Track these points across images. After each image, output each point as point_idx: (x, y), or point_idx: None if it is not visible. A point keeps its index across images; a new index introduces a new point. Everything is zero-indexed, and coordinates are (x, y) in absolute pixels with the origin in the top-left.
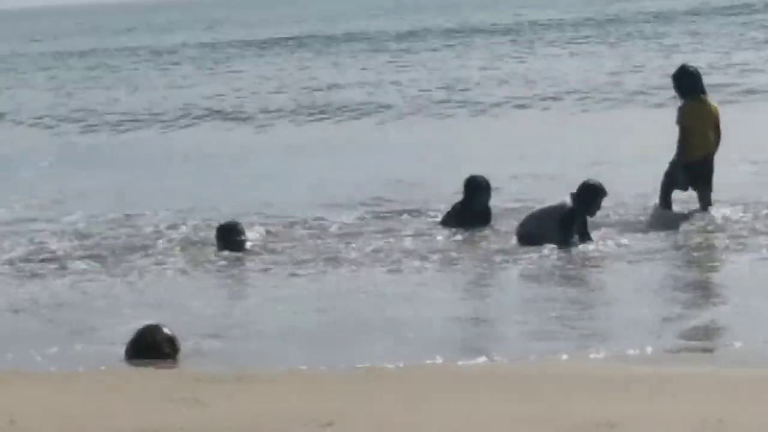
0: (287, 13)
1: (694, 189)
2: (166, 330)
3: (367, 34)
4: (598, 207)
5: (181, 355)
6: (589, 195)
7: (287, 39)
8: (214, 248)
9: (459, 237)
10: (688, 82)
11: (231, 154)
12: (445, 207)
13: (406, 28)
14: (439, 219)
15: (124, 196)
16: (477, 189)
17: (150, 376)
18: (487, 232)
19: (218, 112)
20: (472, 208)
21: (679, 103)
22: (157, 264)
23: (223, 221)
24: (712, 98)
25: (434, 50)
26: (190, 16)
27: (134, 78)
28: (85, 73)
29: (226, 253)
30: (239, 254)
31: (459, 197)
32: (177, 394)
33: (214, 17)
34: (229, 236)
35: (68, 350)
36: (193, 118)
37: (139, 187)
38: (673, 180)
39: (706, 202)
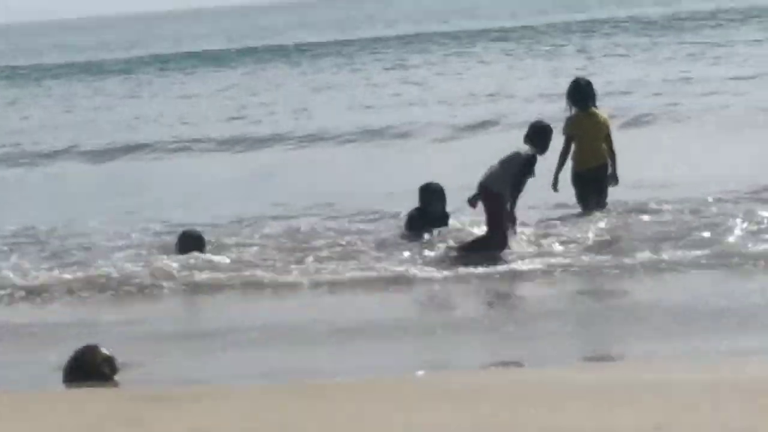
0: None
1: (584, 200)
2: (104, 350)
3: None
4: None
5: (119, 376)
6: (544, 135)
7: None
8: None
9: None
10: (577, 94)
11: None
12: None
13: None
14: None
15: None
16: (432, 195)
17: (89, 397)
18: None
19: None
20: (427, 214)
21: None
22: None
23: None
24: (603, 111)
25: None
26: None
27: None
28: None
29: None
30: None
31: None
32: (117, 415)
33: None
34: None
35: (4, 373)
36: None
37: None
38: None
39: (601, 206)
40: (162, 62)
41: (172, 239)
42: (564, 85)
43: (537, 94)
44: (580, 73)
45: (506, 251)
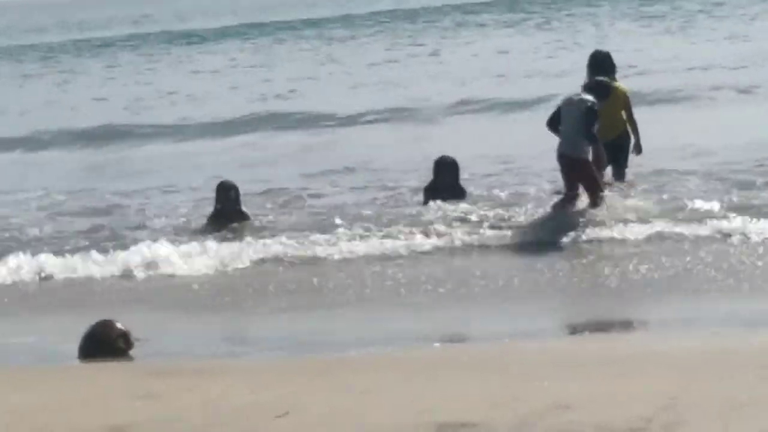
0: None
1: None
2: (119, 325)
3: None
4: None
5: (135, 350)
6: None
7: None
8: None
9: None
10: (595, 67)
11: None
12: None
13: None
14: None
15: None
16: (440, 168)
17: (104, 372)
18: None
19: None
20: (436, 187)
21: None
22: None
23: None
24: (621, 83)
25: None
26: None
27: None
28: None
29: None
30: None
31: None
32: (132, 389)
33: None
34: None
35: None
36: None
37: None
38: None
39: (619, 176)
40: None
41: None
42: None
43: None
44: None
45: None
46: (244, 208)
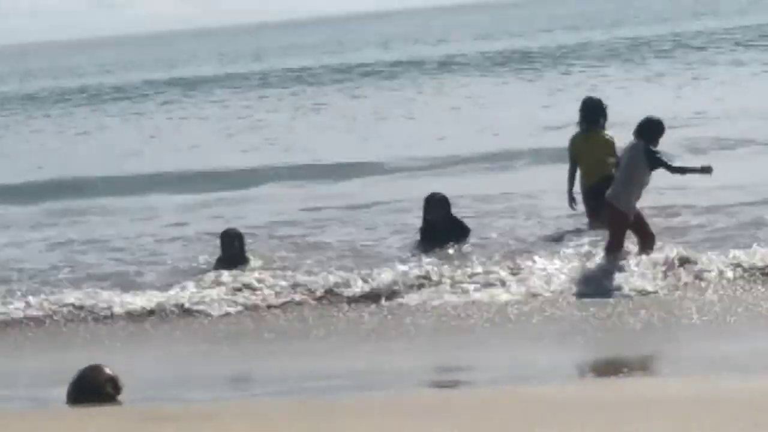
0: None
1: (592, 213)
2: (107, 370)
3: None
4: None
5: (125, 394)
6: (650, 127)
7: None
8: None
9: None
10: (581, 113)
11: None
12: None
13: None
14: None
15: None
16: (429, 205)
17: (93, 417)
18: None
19: None
20: (430, 223)
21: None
22: None
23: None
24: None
25: None
26: None
27: None
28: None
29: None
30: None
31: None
32: None
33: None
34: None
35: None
36: None
37: None
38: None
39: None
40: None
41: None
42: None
43: None
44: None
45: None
46: (249, 255)
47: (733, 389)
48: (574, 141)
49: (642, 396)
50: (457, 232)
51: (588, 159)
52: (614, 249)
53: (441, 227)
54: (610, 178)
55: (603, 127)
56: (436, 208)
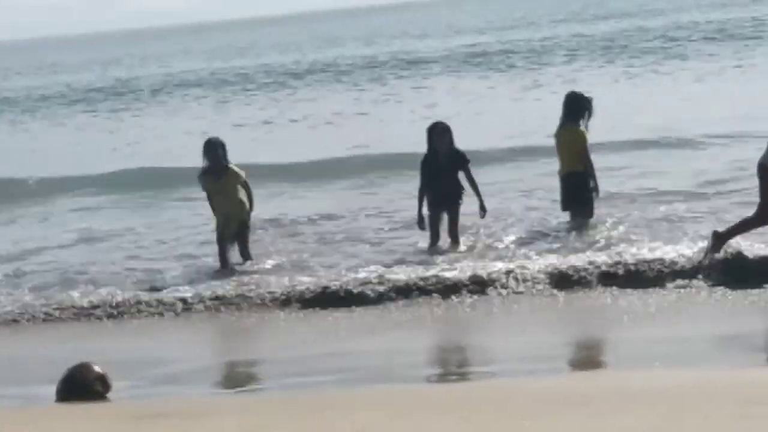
0: None
1: (564, 206)
2: (96, 368)
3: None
4: None
5: (112, 393)
6: None
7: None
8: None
9: None
10: (563, 108)
11: None
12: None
13: None
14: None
15: None
16: (432, 133)
17: (82, 415)
18: None
19: None
20: (436, 152)
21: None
22: None
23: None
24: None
25: None
26: None
27: None
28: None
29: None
30: None
31: None
32: None
33: None
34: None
35: None
36: None
37: None
38: None
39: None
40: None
41: None
42: None
43: None
44: None
45: None
46: (232, 165)
47: (723, 380)
48: (555, 135)
49: (629, 388)
50: (459, 161)
51: (560, 153)
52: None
53: (444, 156)
54: (578, 174)
55: (582, 123)
56: (441, 136)
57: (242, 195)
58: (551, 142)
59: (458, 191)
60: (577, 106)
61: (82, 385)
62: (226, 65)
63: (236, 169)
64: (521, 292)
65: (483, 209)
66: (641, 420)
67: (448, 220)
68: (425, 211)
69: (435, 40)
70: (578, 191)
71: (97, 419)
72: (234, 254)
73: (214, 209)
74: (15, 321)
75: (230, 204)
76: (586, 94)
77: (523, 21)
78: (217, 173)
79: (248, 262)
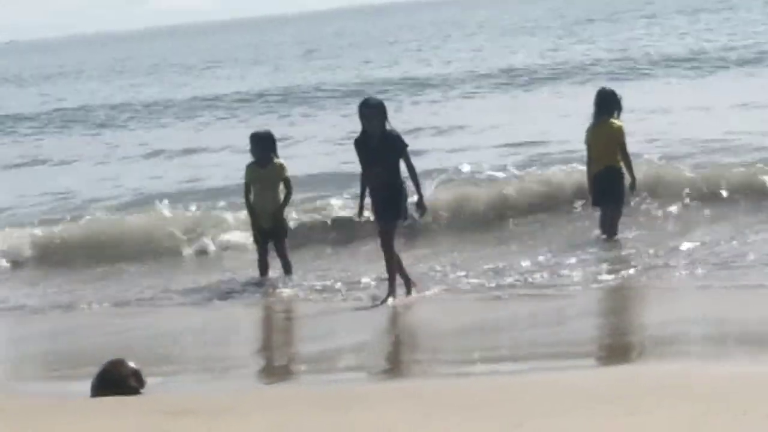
0: None
1: (597, 203)
2: (131, 363)
3: None
4: None
5: (146, 389)
6: None
7: None
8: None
9: None
10: (594, 105)
11: None
12: None
13: None
14: None
15: None
16: (363, 114)
17: (117, 410)
18: None
19: None
20: (368, 135)
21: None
22: None
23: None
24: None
25: None
26: None
27: None
28: None
29: None
30: None
31: None
32: (145, 428)
33: None
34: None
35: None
36: None
37: None
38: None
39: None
40: None
41: None
42: None
43: None
44: None
45: None
46: (278, 159)
47: (723, 377)
48: (587, 131)
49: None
50: (397, 146)
51: (596, 148)
52: None
53: (376, 140)
54: (616, 169)
55: (616, 117)
56: (372, 115)
57: (280, 190)
58: None
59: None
60: (609, 102)
61: (116, 381)
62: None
63: (282, 162)
64: None
65: (421, 207)
66: (674, 416)
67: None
68: (368, 199)
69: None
70: (614, 186)
71: (126, 414)
72: (275, 262)
73: (249, 205)
74: None
75: (268, 197)
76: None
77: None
78: (262, 164)
79: (287, 278)
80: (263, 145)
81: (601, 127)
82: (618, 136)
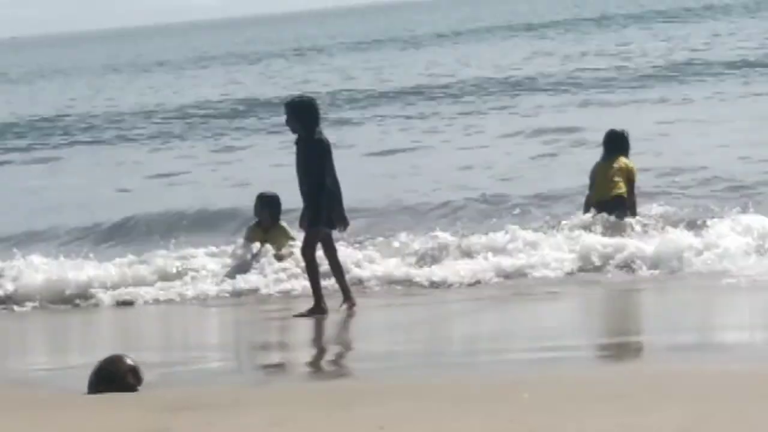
0: None
1: None
2: (128, 360)
3: None
4: None
5: (144, 385)
6: None
7: None
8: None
9: None
10: (604, 144)
11: None
12: None
13: None
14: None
15: None
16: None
17: (114, 407)
18: None
19: None
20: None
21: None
22: None
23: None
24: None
25: None
26: None
27: None
28: None
29: None
30: None
31: None
32: (143, 425)
33: None
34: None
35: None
36: None
37: None
38: None
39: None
40: None
41: None
42: None
43: None
44: None
45: None
46: (283, 223)
47: (722, 375)
48: (594, 168)
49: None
50: (307, 152)
51: (602, 179)
52: None
53: (301, 143)
54: (620, 198)
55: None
56: (264, 206)
57: (285, 252)
58: None
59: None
60: (620, 143)
61: (113, 378)
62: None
63: (286, 226)
64: None
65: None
66: (673, 415)
67: None
68: None
69: None
70: (621, 213)
71: (124, 410)
72: None
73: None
74: None
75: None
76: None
77: None
78: (265, 228)
79: None
80: (270, 208)
81: (621, 162)
82: (634, 173)
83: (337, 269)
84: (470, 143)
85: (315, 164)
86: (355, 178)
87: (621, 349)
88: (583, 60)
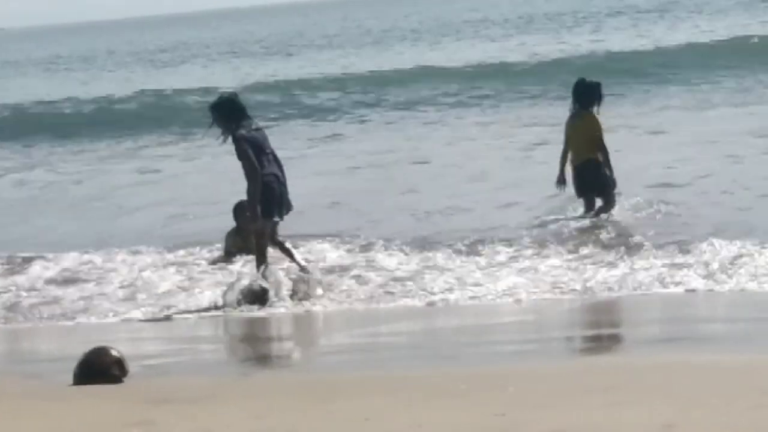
0: None
1: (581, 196)
2: (114, 352)
3: None
4: None
5: (129, 377)
6: None
7: None
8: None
9: None
10: (573, 95)
11: None
12: None
13: None
14: None
15: None
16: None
17: (99, 398)
18: None
19: None
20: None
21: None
22: None
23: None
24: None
25: None
26: None
27: None
28: None
29: None
30: None
31: None
32: (127, 416)
33: None
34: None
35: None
36: None
37: None
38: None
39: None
40: None
41: None
42: None
43: None
44: None
45: None
46: None
47: (706, 367)
48: (567, 123)
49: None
50: (235, 149)
51: (576, 141)
52: None
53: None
54: (595, 162)
55: (596, 110)
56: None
57: None
58: None
59: None
60: (589, 94)
61: (98, 369)
62: None
63: None
64: None
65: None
66: (657, 408)
67: None
68: None
69: None
70: (599, 176)
71: (109, 402)
72: None
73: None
74: None
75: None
76: (594, 80)
77: None
78: (243, 236)
79: None
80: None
81: (582, 120)
82: (596, 130)
83: (287, 252)
84: None
85: (242, 162)
86: None
87: (608, 341)
88: None
